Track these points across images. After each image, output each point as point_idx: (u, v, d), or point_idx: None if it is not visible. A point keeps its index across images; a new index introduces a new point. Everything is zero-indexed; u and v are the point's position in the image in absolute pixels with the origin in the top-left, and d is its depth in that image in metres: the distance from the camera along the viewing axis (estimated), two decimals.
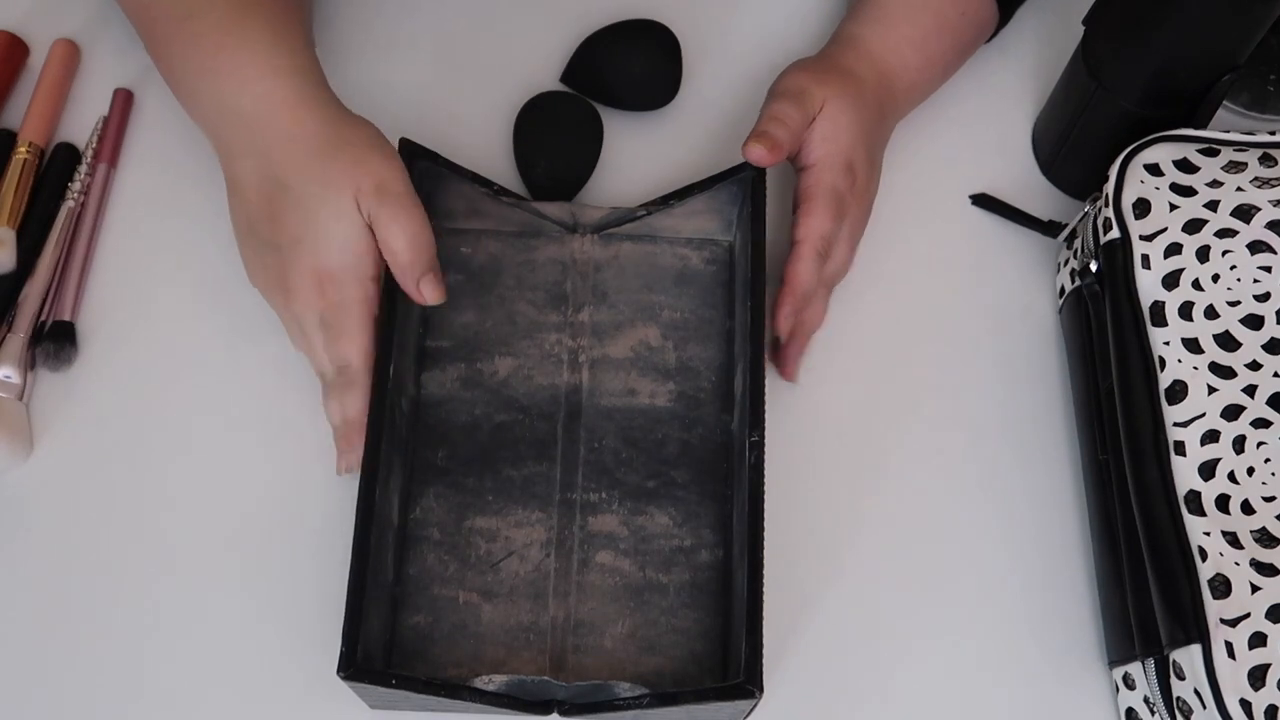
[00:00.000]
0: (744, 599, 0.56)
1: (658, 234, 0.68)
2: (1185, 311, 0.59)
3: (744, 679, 0.54)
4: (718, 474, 0.64)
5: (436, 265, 0.61)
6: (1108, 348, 0.62)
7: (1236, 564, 0.55)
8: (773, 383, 0.66)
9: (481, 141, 0.73)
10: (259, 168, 0.61)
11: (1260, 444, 0.57)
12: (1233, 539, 0.55)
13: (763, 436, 0.59)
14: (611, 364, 0.66)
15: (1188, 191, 0.62)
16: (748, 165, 0.64)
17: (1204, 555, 0.55)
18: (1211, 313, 0.59)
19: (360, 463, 0.59)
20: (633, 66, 0.73)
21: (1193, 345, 0.59)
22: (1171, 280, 0.60)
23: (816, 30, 0.77)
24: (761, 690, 0.54)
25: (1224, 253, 0.60)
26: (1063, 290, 0.69)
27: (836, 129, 0.64)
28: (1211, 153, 0.63)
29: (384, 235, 0.59)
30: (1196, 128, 0.65)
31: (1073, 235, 0.68)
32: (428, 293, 0.60)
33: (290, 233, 0.60)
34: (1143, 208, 0.62)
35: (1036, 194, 0.73)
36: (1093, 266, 0.64)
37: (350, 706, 0.60)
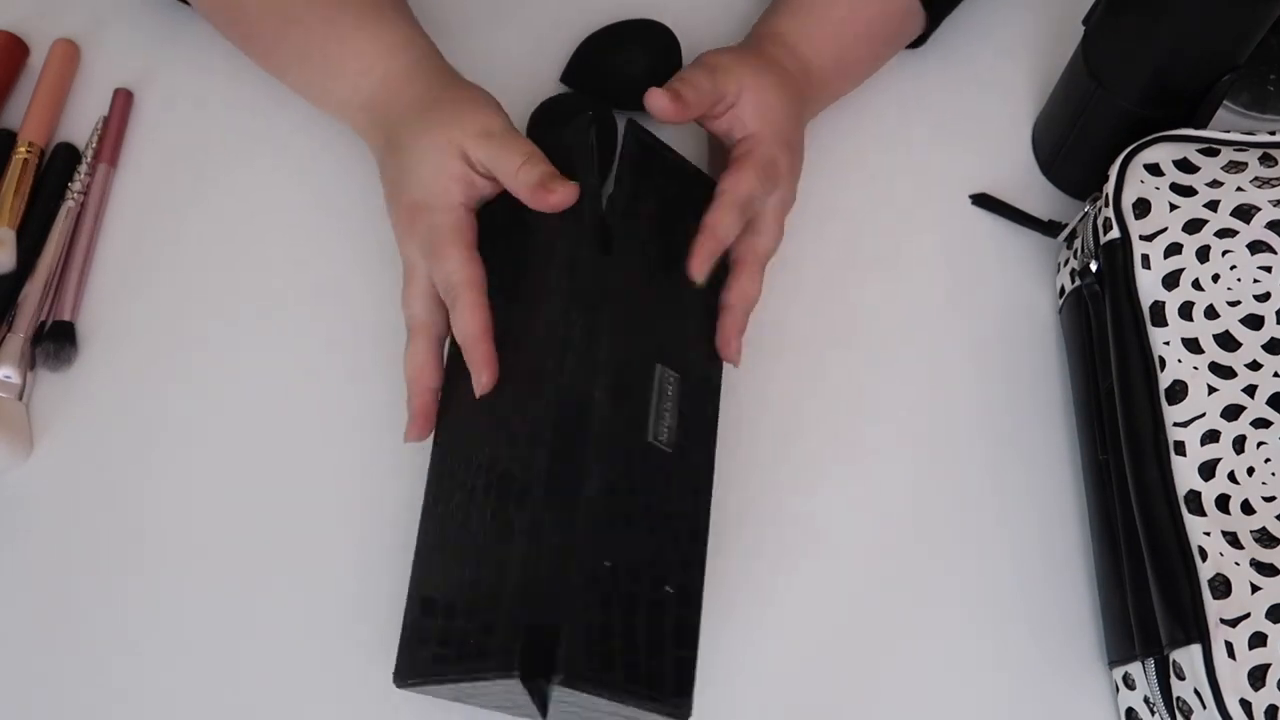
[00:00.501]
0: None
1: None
2: (1185, 311, 0.59)
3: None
4: None
5: (555, 171, 0.59)
6: (1108, 348, 0.62)
7: (1236, 564, 0.55)
8: (767, 382, 0.66)
9: None
10: (386, 140, 0.64)
11: (1260, 444, 0.57)
12: (1233, 539, 0.55)
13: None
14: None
15: (1188, 191, 0.62)
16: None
17: (1204, 555, 0.55)
18: (1211, 313, 0.59)
19: (490, 380, 0.58)
20: (632, 66, 0.73)
21: (1193, 345, 0.59)
22: (1171, 280, 0.60)
23: None
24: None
25: (1224, 253, 0.60)
26: (1063, 290, 0.69)
27: (768, 106, 0.64)
28: (1211, 153, 0.63)
29: (501, 166, 0.60)
30: (1196, 128, 0.65)
31: (1073, 235, 0.68)
32: (562, 192, 0.58)
33: (398, 183, 0.62)
34: (1143, 208, 0.62)
35: (1036, 194, 0.73)
36: (1093, 266, 0.64)
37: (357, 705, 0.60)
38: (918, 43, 0.74)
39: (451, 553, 0.57)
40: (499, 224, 0.62)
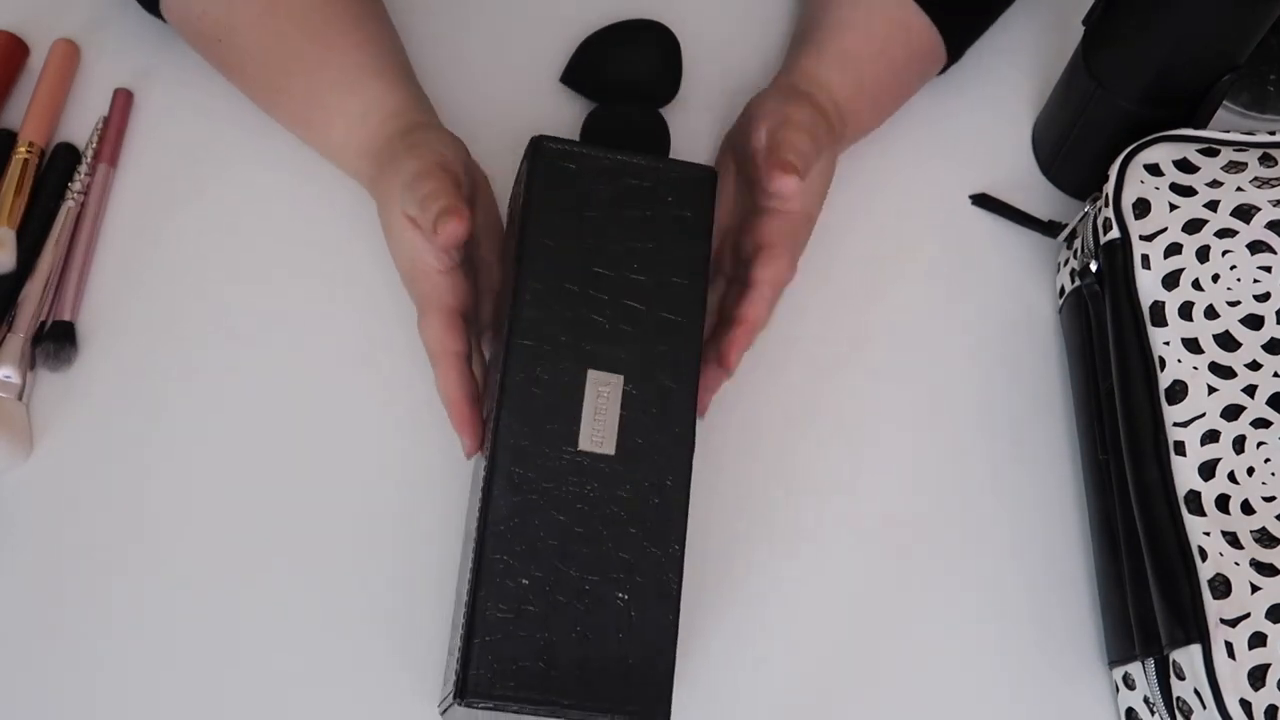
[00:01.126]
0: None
1: None
2: (1185, 311, 0.59)
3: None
4: None
5: (452, 207, 0.59)
6: (1108, 348, 0.62)
7: (1236, 564, 0.55)
8: (769, 382, 0.66)
9: (480, 140, 0.73)
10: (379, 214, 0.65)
11: (1260, 444, 0.57)
12: (1233, 539, 0.55)
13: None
14: None
15: (1188, 191, 0.62)
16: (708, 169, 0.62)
17: (1204, 555, 0.55)
18: (1211, 313, 0.59)
19: (471, 446, 0.60)
20: (632, 66, 0.73)
21: (1193, 345, 0.59)
22: (1171, 280, 0.60)
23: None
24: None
25: (1224, 253, 0.60)
26: (1063, 290, 0.69)
27: (821, 189, 0.65)
28: (1211, 153, 0.63)
29: (415, 214, 0.60)
30: (1196, 128, 0.65)
31: (1073, 235, 0.68)
32: (444, 232, 0.58)
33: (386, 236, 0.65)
34: (1143, 208, 0.62)
35: (1036, 194, 0.73)
36: (1093, 266, 0.64)
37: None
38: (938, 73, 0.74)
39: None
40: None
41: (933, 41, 0.69)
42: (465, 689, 0.53)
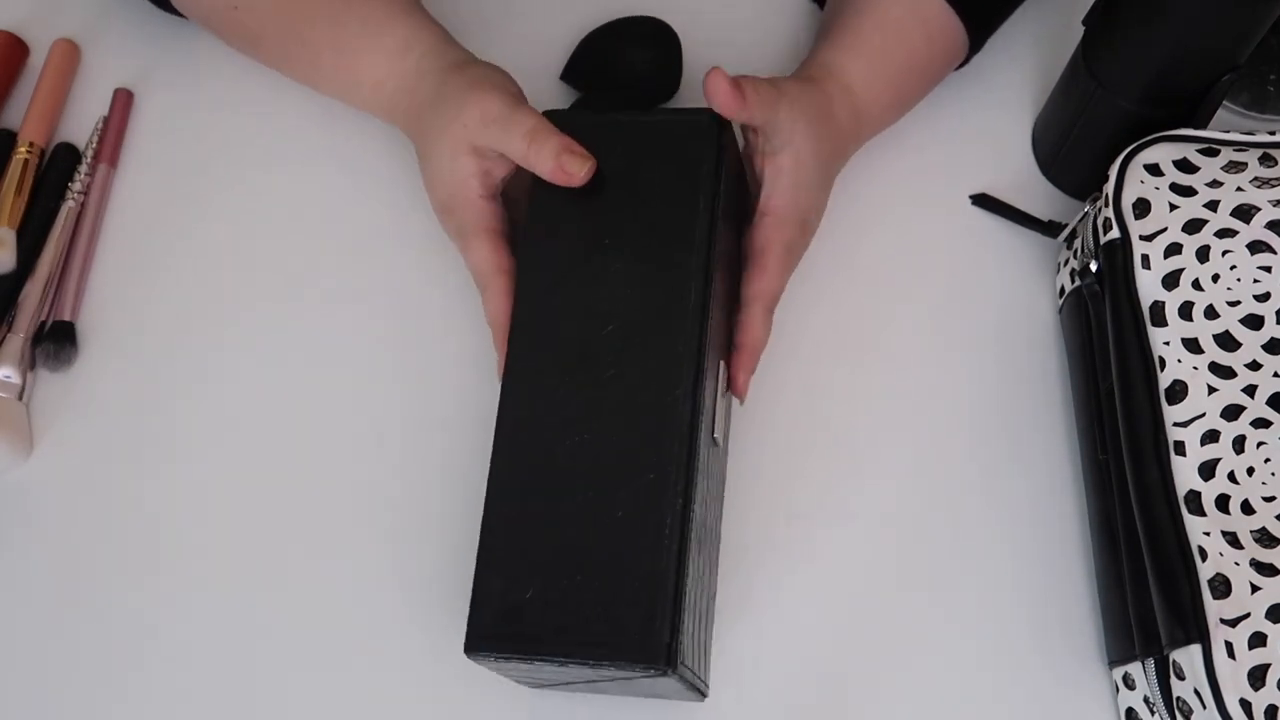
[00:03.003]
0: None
1: None
2: (1185, 311, 0.59)
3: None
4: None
5: (568, 143, 0.59)
6: (1108, 348, 0.62)
7: (1236, 564, 0.55)
8: (768, 382, 0.66)
9: None
10: (415, 144, 0.66)
11: (1260, 444, 0.57)
12: (1233, 539, 0.55)
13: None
14: None
15: (1188, 191, 0.62)
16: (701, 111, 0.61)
17: (1204, 555, 0.55)
18: (1211, 313, 0.59)
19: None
20: (633, 63, 0.73)
21: (1193, 345, 0.59)
22: (1171, 280, 0.60)
23: (815, 28, 0.77)
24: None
25: (1224, 253, 0.60)
26: (1063, 290, 0.69)
27: (801, 180, 0.63)
28: (1211, 153, 0.63)
29: (508, 149, 0.60)
30: (1196, 128, 0.65)
31: (1073, 235, 0.68)
32: (571, 166, 0.59)
33: (428, 186, 0.65)
34: (1143, 208, 0.62)
35: (1036, 194, 0.73)
36: (1093, 266, 0.64)
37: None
38: (959, 65, 0.74)
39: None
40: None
41: (954, 30, 0.69)
42: (468, 643, 0.53)
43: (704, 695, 0.59)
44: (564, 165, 0.59)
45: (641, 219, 0.59)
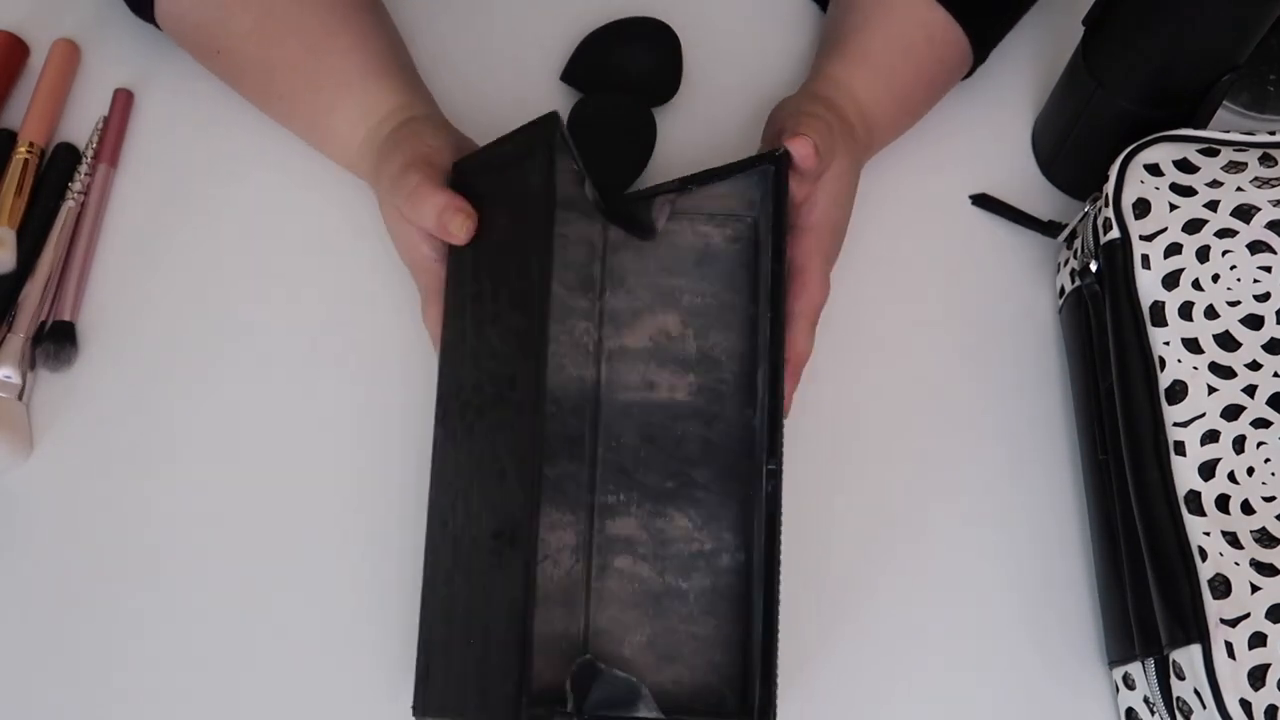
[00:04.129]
0: (760, 640, 0.55)
1: (677, 210, 0.64)
2: (1185, 311, 0.59)
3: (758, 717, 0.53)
4: (740, 473, 0.60)
5: (450, 201, 0.59)
6: (1108, 348, 0.62)
7: (1236, 564, 0.55)
8: None
9: (480, 138, 0.73)
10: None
11: (1260, 444, 0.57)
12: (1233, 539, 0.55)
13: (780, 465, 0.57)
14: (629, 355, 0.62)
15: (1188, 191, 0.62)
16: (769, 158, 0.60)
17: (1204, 555, 0.55)
18: (1211, 313, 0.59)
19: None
20: (633, 64, 0.73)
21: (1193, 345, 0.59)
22: (1171, 280, 0.60)
23: (815, 28, 0.77)
24: None
25: (1224, 253, 0.60)
26: (1063, 290, 0.69)
27: (840, 195, 0.64)
28: (1211, 153, 0.63)
29: (415, 220, 0.60)
30: (1196, 128, 0.65)
31: (1073, 235, 0.68)
32: (452, 225, 0.59)
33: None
34: (1143, 208, 0.62)
35: (1036, 194, 0.73)
36: (1093, 266, 0.64)
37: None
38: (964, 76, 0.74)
39: None
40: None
41: (959, 42, 0.69)
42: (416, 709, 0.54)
43: None
44: (445, 224, 0.59)
45: (509, 256, 0.57)
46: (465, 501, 0.55)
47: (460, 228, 0.58)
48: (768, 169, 0.61)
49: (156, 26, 0.71)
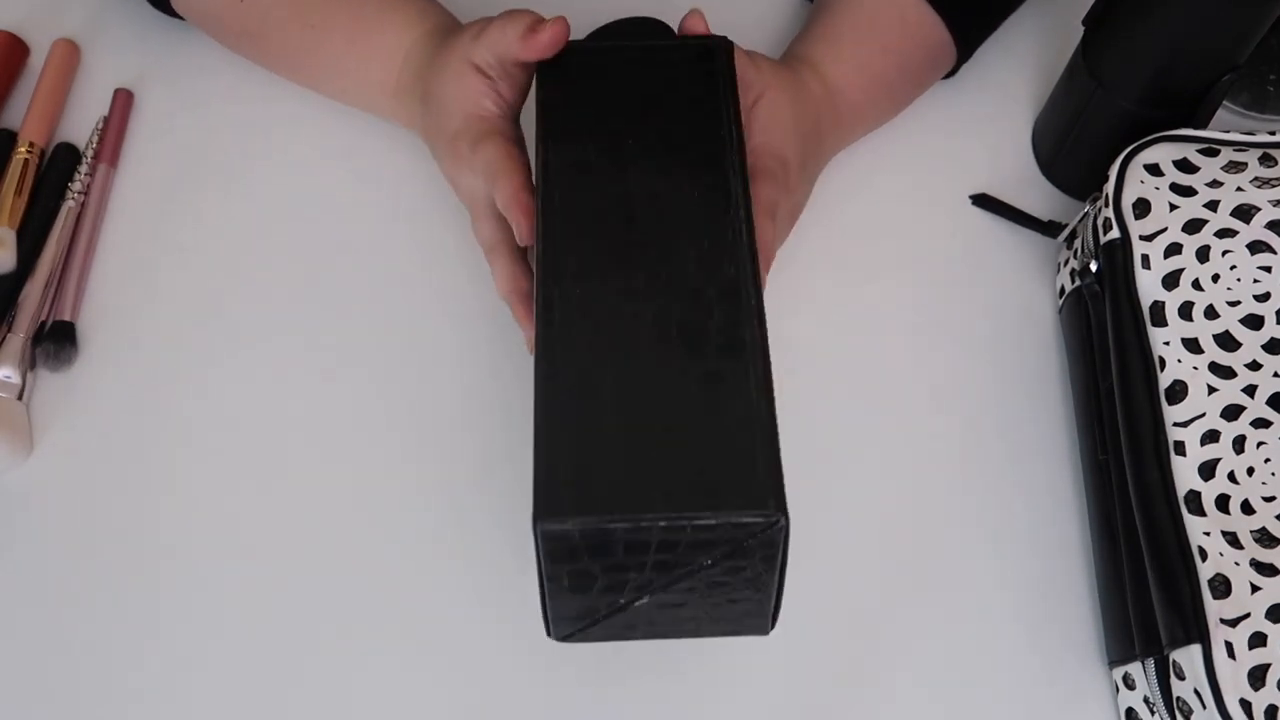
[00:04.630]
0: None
1: None
2: (1185, 311, 0.59)
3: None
4: None
5: (539, 16, 0.61)
6: (1108, 348, 0.62)
7: (1236, 564, 0.55)
8: None
9: None
10: (421, 106, 0.66)
11: (1260, 444, 0.57)
12: (1233, 539, 0.55)
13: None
14: None
15: (1188, 191, 0.62)
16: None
17: (1204, 555, 0.55)
18: (1211, 313, 0.59)
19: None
20: None
21: (1193, 345, 0.59)
22: (1171, 280, 0.60)
23: None
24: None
25: (1224, 253, 0.60)
26: (1063, 290, 0.69)
27: (775, 121, 0.63)
28: (1211, 153, 0.63)
29: (497, 45, 0.61)
30: (1196, 128, 0.65)
31: (1073, 235, 0.68)
32: (550, 30, 0.60)
33: (439, 128, 0.64)
34: (1143, 208, 0.62)
35: (1036, 194, 0.73)
36: (1093, 266, 0.64)
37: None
38: (949, 74, 0.74)
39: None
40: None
41: (935, 25, 0.69)
42: (538, 512, 0.46)
43: (774, 623, 0.52)
44: (533, 27, 0.60)
45: (664, 126, 0.57)
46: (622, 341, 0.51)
47: (552, 24, 0.60)
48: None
49: (170, 14, 0.70)
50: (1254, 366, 0.58)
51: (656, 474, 0.47)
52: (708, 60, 0.60)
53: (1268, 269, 0.60)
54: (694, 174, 0.55)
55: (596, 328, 0.51)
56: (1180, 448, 0.57)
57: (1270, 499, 0.56)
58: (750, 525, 0.46)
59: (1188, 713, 0.55)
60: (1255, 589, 0.54)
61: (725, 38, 0.61)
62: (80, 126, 0.73)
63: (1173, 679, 0.56)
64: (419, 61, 0.66)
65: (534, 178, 0.57)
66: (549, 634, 0.50)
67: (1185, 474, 0.57)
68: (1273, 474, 0.57)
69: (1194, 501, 0.56)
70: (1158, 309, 0.60)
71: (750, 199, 0.55)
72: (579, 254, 0.53)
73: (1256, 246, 0.60)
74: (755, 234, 0.56)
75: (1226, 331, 0.59)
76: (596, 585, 0.48)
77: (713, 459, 0.47)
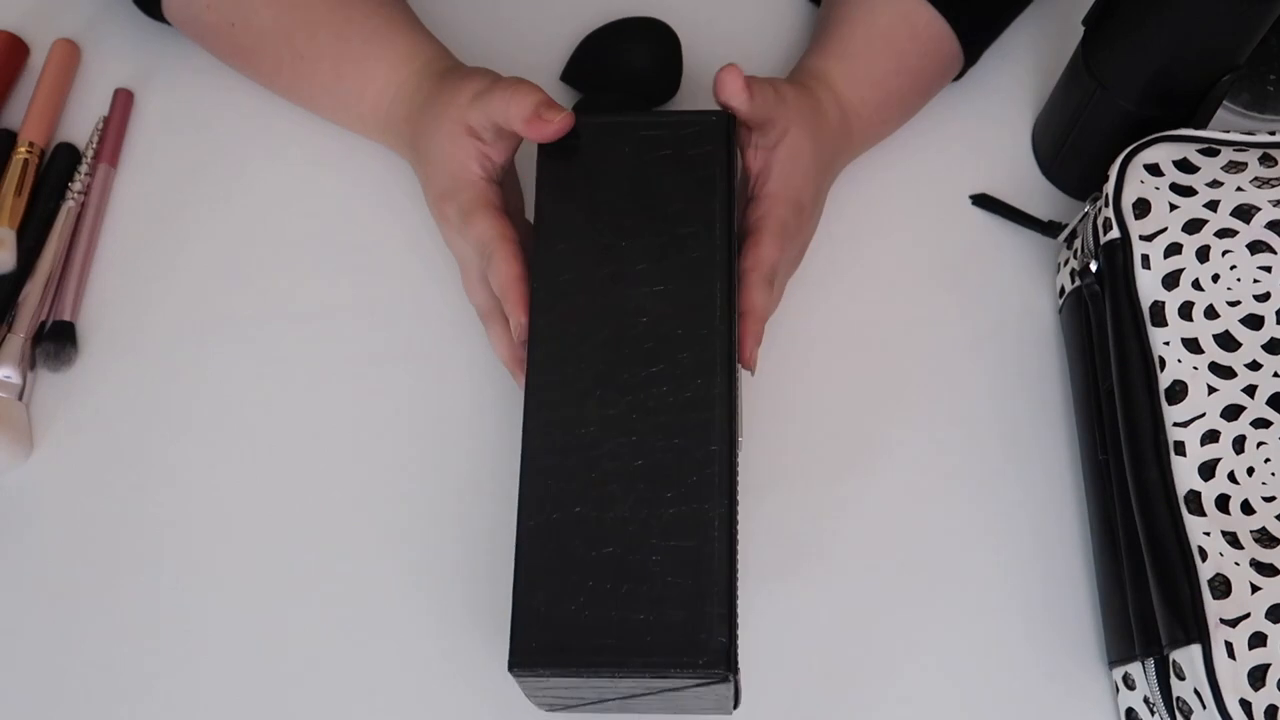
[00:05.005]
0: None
1: None
2: (1185, 311, 0.59)
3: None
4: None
5: (547, 98, 0.60)
6: (1108, 348, 0.62)
7: (1236, 564, 0.55)
8: (768, 382, 0.66)
9: None
10: (411, 152, 0.66)
11: (1260, 444, 0.57)
12: (1233, 539, 0.55)
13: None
14: None
15: (1188, 191, 0.62)
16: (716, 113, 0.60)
17: (1204, 555, 0.55)
18: (1211, 313, 0.59)
19: (521, 329, 0.57)
20: (633, 64, 0.73)
21: (1193, 345, 0.59)
22: (1171, 280, 0.60)
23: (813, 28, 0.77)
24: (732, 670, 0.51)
25: (1224, 253, 0.60)
26: (1063, 290, 0.69)
27: (796, 165, 0.63)
28: (1211, 153, 0.63)
29: (497, 114, 0.60)
30: (1196, 128, 0.65)
31: (1073, 235, 0.68)
32: (547, 114, 0.59)
33: (428, 181, 0.64)
34: (1143, 208, 0.62)
35: (1036, 194, 0.73)
36: (1093, 266, 0.64)
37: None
38: (955, 78, 0.74)
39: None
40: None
41: (945, 36, 0.69)
42: (514, 659, 0.51)
43: (737, 704, 0.56)
44: (541, 113, 0.59)
45: (657, 218, 0.59)
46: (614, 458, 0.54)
47: (556, 115, 0.59)
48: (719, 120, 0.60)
49: (156, 18, 0.71)
50: (1254, 366, 0.58)
51: (618, 628, 0.52)
52: (710, 139, 0.60)
53: (1268, 269, 0.60)
54: (682, 284, 0.57)
55: (576, 467, 0.54)
56: (1180, 448, 0.57)
57: (1270, 499, 0.56)
58: (702, 679, 0.51)
59: (1188, 713, 0.55)
60: (1255, 589, 0.54)
61: (727, 114, 0.60)
62: (80, 126, 0.73)
63: (1173, 679, 0.56)
64: (409, 103, 0.66)
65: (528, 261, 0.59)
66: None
67: (1185, 474, 0.57)
68: (1273, 474, 0.57)
69: (1194, 501, 0.56)
70: (1158, 309, 0.60)
71: (734, 306, 0.57)
72: (562, 382, 0.56)
73: (1256, 246, 0.60)
74: (745, 306, 0.59)
75: (1226, 331, 0.59)
76: (566, 703, 0.56)
77: (669, 615, 0.52)
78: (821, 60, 0.68)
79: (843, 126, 0.67)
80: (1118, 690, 0.62)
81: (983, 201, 0.73)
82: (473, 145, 0.62)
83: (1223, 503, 0.56)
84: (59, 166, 0.71)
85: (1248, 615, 0.54)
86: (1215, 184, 0.62)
